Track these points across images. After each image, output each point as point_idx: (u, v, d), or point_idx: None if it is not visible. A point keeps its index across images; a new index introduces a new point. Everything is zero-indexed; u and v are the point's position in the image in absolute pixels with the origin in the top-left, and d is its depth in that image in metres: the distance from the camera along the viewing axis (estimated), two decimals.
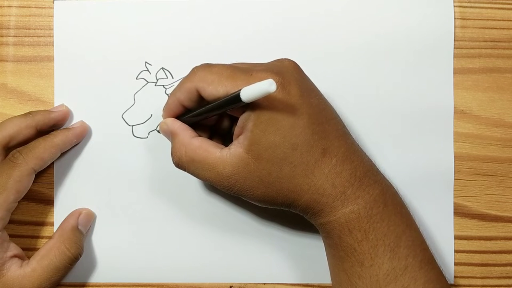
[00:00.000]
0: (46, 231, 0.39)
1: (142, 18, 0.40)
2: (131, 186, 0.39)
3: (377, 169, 0.34)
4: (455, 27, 0.40)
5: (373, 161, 0.34)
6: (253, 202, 0.33)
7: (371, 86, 0.39)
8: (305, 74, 0.34)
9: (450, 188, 0.40)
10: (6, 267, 0.35)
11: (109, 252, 0.39)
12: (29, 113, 0.37)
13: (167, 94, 0.39)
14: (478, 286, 0.40)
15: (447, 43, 0.40)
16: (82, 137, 0.39)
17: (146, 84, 0.40)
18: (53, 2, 0.40)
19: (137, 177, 0.39)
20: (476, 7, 0.40)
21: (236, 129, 0.33)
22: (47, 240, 0.38)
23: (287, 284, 0.40)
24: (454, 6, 0.40)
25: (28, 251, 0.38)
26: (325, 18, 0.40)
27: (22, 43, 0.40)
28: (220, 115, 0.36)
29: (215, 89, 0.31)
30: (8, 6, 0.40)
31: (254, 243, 0.39)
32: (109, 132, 0.39)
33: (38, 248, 0.37)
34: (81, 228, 0.38)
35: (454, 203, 0.40)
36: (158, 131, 0.38)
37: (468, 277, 0.40)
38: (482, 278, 0.40)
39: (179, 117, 0.35)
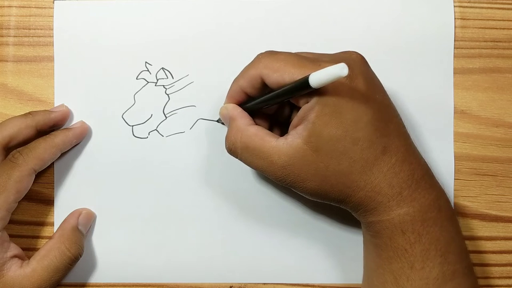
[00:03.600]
0: (46, 231, 0.39)
1: (142, 18, 0.40)
2: (131, 186, 0.39)
3: (432, 173, 0.33)
4: (455, 27, 0.40)
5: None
6: (304, 195, 0.33)
7: None
8: (371, 69, 0.33)
9: (450, 188, 0.40)
10: (6, 267, 0.35)
11: (109, 252, 0.39)
12: (29, 113, 0.37)
13: (167, 94, 0.39)
14: None
15: (447, 43, 0.40)
16: (82, 137, 0.39)
17: (146, 84, 0.40)
18: (53, 2, 0.40)
19: (137, 177, 0.39)
20: (476, 7, 0.40)
21: (295, 119, 0.32)
22: (47, 240, 0.38)
23: (287, 284, 0.39)
24: (454, 6, 0.40)
25: (28, 251, 0.38)
26: (324, 18, 0.40)
27: (22, 43, 0.40)
28: (280, 105, 0.35)
29: (281, 76, 0.31)
30: (8, 6, 0.40)
31: (254, 243, 0.39)
32: (109, 132, 0.39)
33: (38, 248, 0.37)
34: (81, 228, 0.38)
35: (454, 203, 0.40)
36: (217, 121, 0.39)
37: None
38: (482, 278, 0.40)
39: (241, 104, 0.35)
